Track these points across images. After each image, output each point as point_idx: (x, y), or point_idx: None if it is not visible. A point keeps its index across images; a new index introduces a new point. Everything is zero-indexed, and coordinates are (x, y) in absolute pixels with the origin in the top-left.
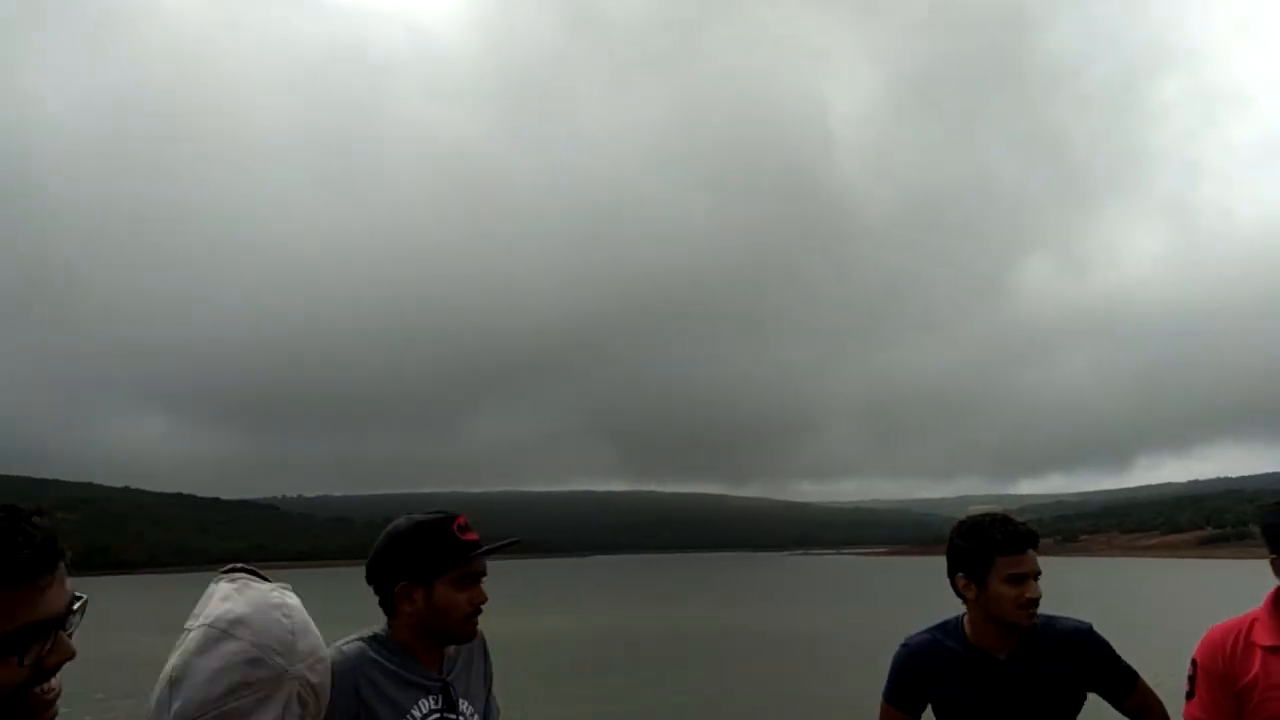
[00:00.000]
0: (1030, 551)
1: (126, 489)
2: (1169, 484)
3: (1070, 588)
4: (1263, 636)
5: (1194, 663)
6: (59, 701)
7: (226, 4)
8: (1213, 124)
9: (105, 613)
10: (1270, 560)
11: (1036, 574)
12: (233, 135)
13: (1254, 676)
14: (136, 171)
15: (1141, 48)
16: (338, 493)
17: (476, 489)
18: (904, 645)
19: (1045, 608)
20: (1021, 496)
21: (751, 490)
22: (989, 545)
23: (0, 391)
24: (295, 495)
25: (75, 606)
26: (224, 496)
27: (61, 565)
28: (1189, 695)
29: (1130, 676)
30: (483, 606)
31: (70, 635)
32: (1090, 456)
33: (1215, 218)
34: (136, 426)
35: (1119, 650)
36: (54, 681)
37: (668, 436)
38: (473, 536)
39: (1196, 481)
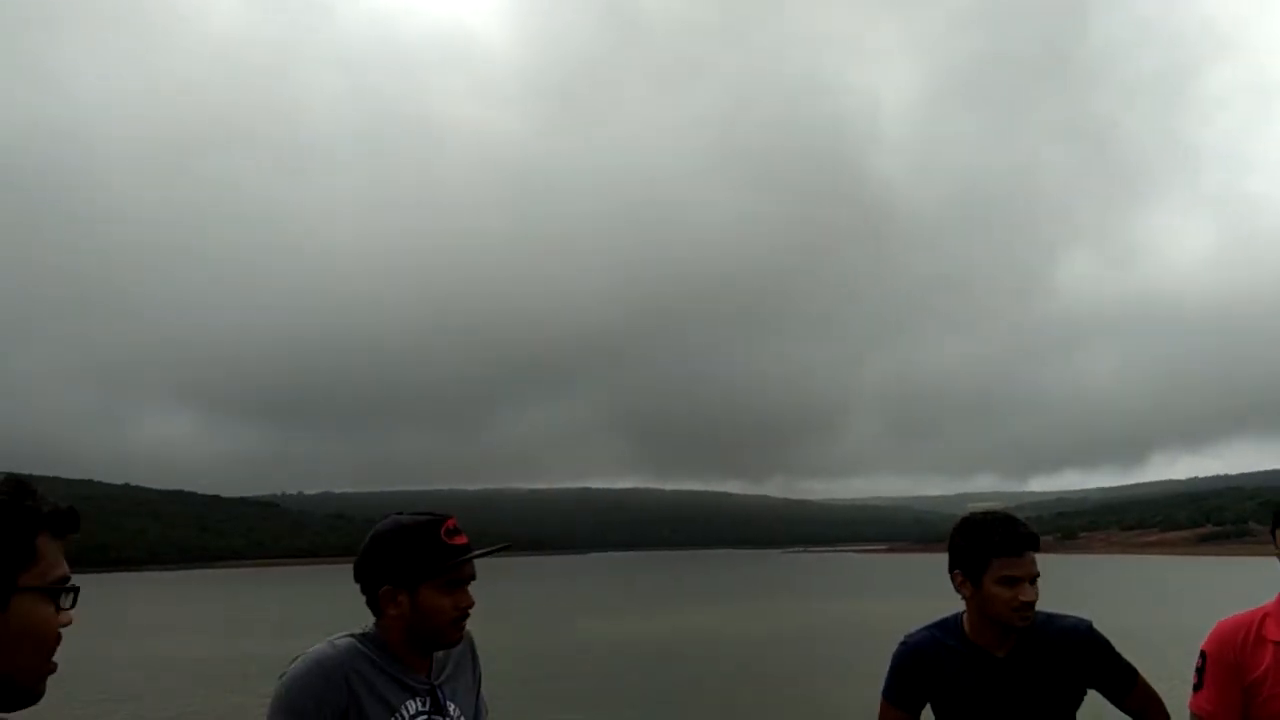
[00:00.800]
0: (1029, 554)
1: (126, 486)
2: (1169, 481)
3: (1069, 585)
4: (1274, 631)
5: (1203, 654)
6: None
7: (274, 5)
8: (1265, 117)
9: (105, 613)
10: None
11: (1033, 577)
12: (279, 136)
13: (1264, 671)
14: (185, 172)
15: (1193, 37)
16: (337, 490)
17: (492, 486)
18: (903, 643)
19: (1045, 605)
20: (1020, 494)
21: (768, 488)
22: (986, 546)
23: (9, 389)
24: (295, 493)
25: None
26: (224, 494)
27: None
28: (1196, 687)
29: (1130, 674)
30: (469, 610)
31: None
32: (1110, 453)
33: (1264, 213)
34: (165, 425)
35: (1118, 647)
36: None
37: (686, 434)
38: (461, 540)
39: (1196, 479)
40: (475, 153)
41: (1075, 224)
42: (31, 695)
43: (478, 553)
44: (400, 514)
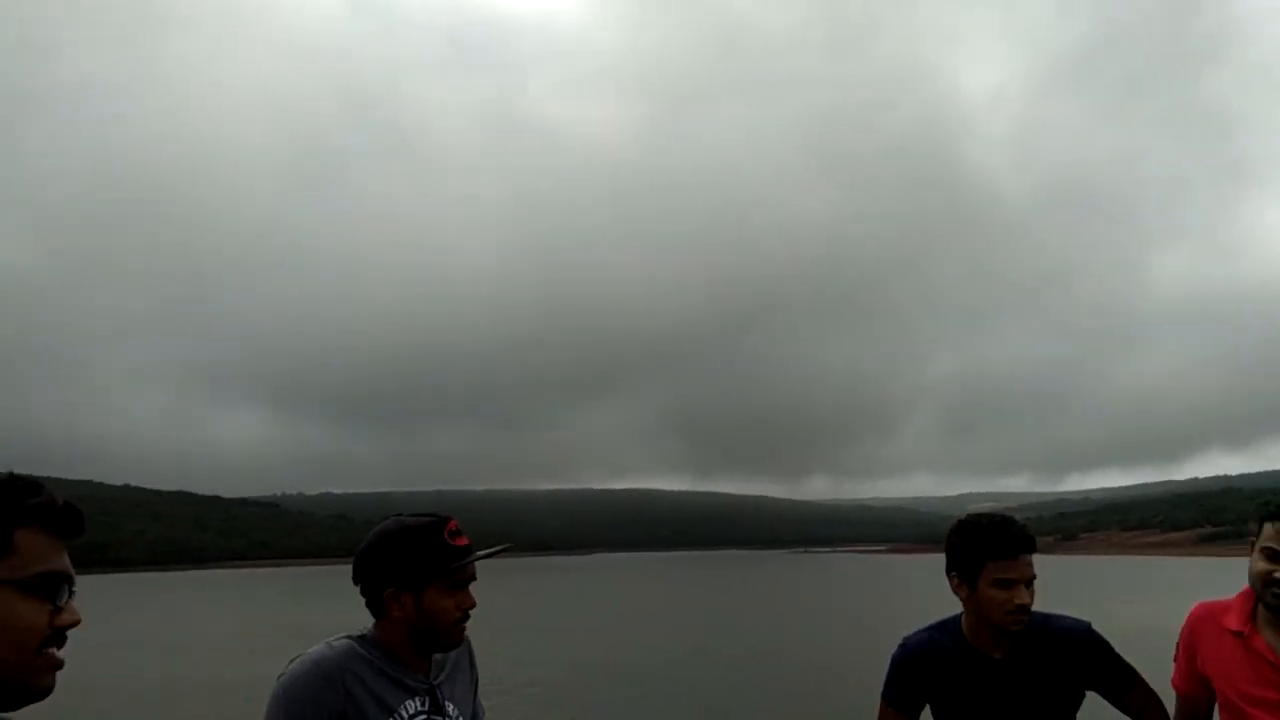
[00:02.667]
0: (1024, 557)
1: (126, 486)
2: (1170, 481)
3: (1069, 585)
4: (1233, 622)
5: (1181, 631)
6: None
7: (366, 6)
8: None
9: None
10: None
11: (1029, 580)
12: (368, 136)
13: (1224, 660)
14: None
15: None
16: (338, 490)
17: (526, 486)
18: (901, 645)
19: (1044, 606)
20: (1019, 494)
21: (811, 489)
22: (980, 548)
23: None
24: (296, 493)
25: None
26: (224, 494)
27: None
28: (1174, 659)
29: (1130, 674)
30: (471, 612)
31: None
32: (1149, 452)
33: None
34: (234, 428)
35: (1117, 648)
36: (59, 651)
37: (740, 434)
38: (464, 541)
39: (1196, 480)
40: (556, 149)
41: (1177, 216)
42: (26, 691)
43: (481, 554)
44: (402, 515)
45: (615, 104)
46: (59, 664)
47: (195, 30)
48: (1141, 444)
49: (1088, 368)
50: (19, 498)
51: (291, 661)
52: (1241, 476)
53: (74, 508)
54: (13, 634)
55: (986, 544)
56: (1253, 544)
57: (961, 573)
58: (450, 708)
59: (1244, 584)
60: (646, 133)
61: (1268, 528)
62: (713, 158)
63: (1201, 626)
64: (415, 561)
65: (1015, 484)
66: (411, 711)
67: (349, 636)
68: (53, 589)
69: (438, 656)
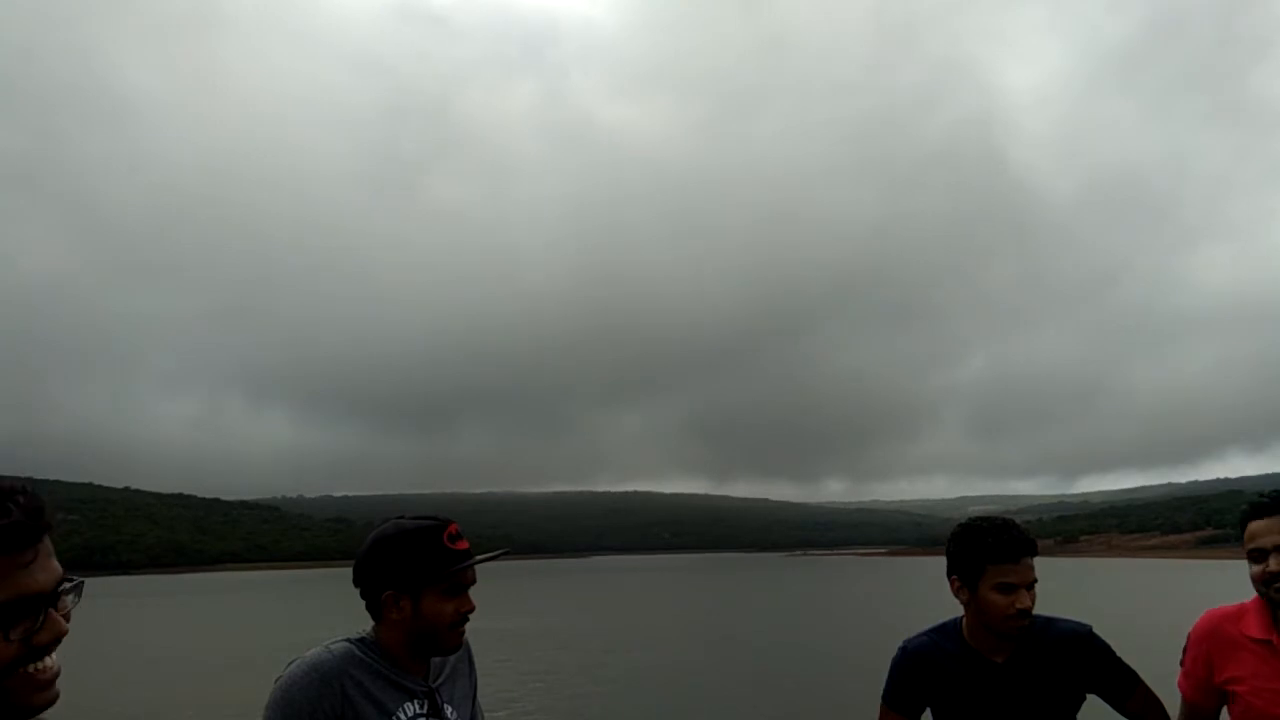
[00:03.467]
0: (1025, 560)
1: (126, 489)
2: (1170, 484)
3: (1069, 588)
4: (1250, 628)
5: (1188, 638)
6: (57, 682)
7: (415, 14)
8: None
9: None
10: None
11: (1030, 583)
12: (421, 141)
13: (1242, 668)
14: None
15: None
16: (338, 493)
17: (527, 489)
18: (902, 648)
19: (1045, 609)
20: (1019, 497)
21: (823, 493)
22: (981, 552)
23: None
24: (295, 496)
25: (67, 586)
26: (224, 497)
27: (47, 540)
28: (1181, 664)
29: (1131, 678)
30: (470, 616)
31: (66, 616)
32: (1175, 453)
33: None
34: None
35: (1118, 650)
36: (50, 661)
37: (754, 438)
38: (463, 545)
39: (1196, 482)
40: (622, 156)
41: (1222, 215)
42: (20, 710)
43: (480, 558)
44: (402, 518)
45: (663, 107)
46: (48, 679)
47: (245, 37)
48: (1161, 447)
49: (1118, 370)
50: None
51: (289, 664)
52: (1242, 479)
53: (22, 522)
54: None
55: (987, 548)
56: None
57: (962, 576)
58: (449, 710)
59: (1243, 587)
60: (694, 136)
61: (1249, 528)
62: (759, 161)
63: (1217, 636)
64: (413, 565)
65: (1025, 487)
66: (410, 714)
67: (347, 639)
68: (13, 617)
69: (436, 659)
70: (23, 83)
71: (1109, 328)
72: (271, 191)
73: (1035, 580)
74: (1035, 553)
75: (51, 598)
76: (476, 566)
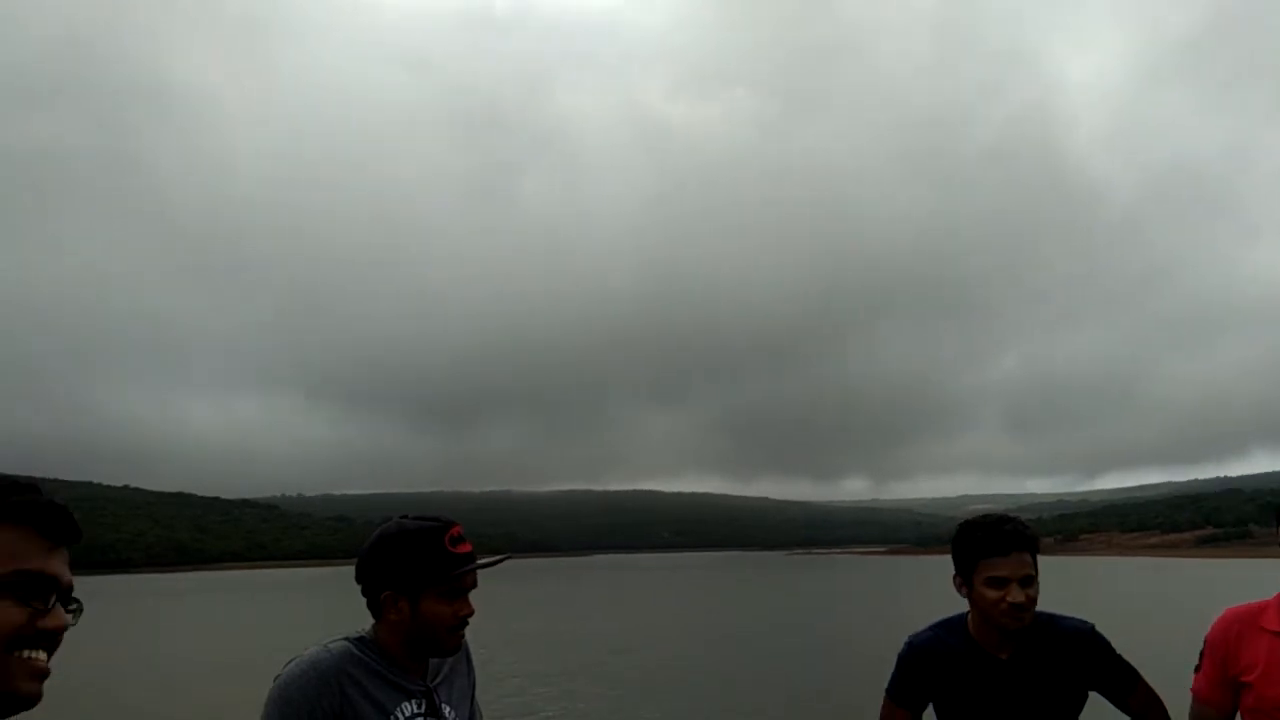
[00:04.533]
0: (1016, 555)
1: (126, 488)
2: (1170, 483)
3: (1069, 586)
4: (1272, 622)
5: (1205, 639)
6: (44, 685)
7: (479, 11)
8: None
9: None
10: None
11: (1022, 577)
12: (491, 143)
13: (1257, 660)
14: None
15: None
16: (338, 492)
17: (528, 488)
18: (908, 643)
19: (1046, 606)
20: (1019, 496)
21: (838, 491)
22: (973, 547)
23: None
24: (296, 494)
25: (75, 605)
26: (224, 496)
27: (66, 545)
28: (1197, 668)
29: (1132, 676)
30: (469, 619)
31: (72, 623)
32: (1198, 449)
33: None
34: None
35: (1118, 647)
36: (42, 656)
37: (781, 436)
38: (465, 548)
39: (1196, 481)
40: (685, 155)
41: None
42: (6, 696)
43: (481, 563)
44: (405, 518)
45: (721, 106)
46: (42, 670)
47: (309, 39)
48: (1187, 444)
49: (1156, 368)
50: (2, 496)
51: (288, 663)
52: (1242, 478)
53: (61, 509)
54: None
55: (977, 543)
56: None
57: (961, 572)
58: (447, 710)
59: (1243, 586)
60: (752, 135)
61: None
62: (816, 159)
63: (1237, 632)
64: (413, 566)
65: (1038, 485)
66: (408, 714)
67: (346, 638)
68: (29, 589)
69: (435, 659)
70: (88, 80)
71: (1157, 325)
72: (332, 193)
73: (1031, 575)
74: (1030, 547)
75: (64, 594)
76: (481, 570)
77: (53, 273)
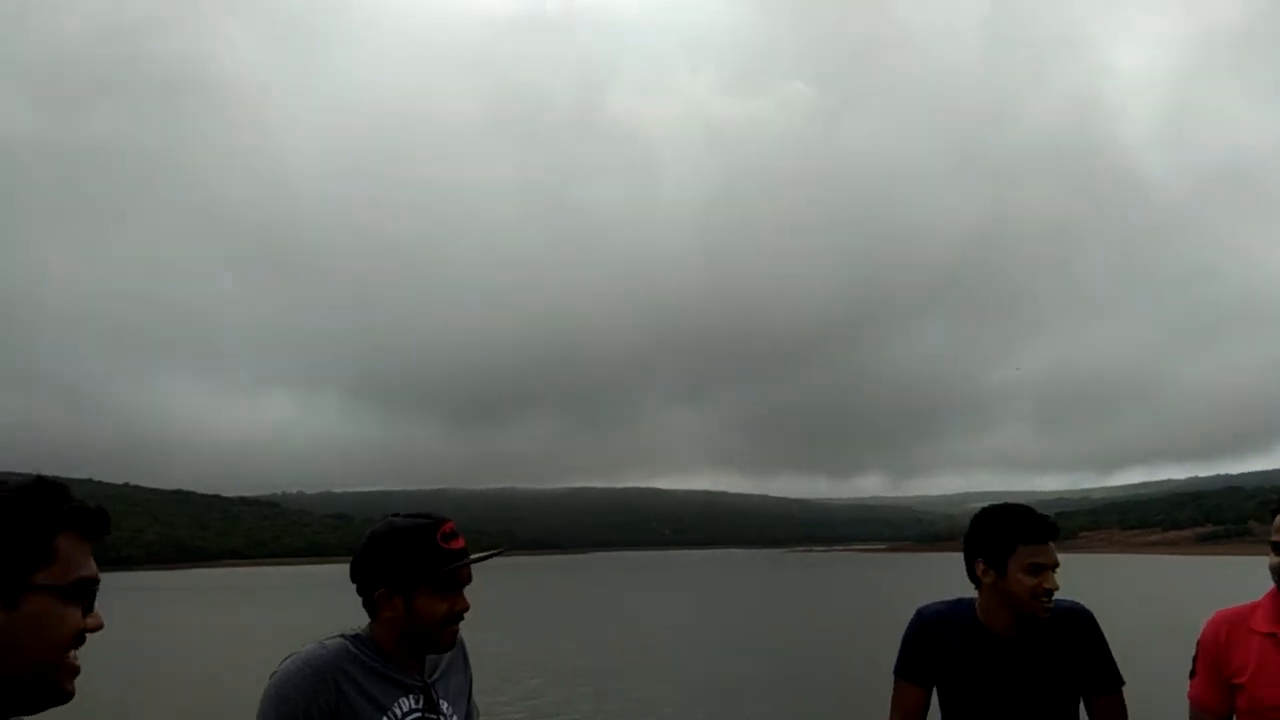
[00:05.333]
0: (1051, 544)
1: (126, 485)
2: (1170, 480)
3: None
4: (1261, 623)
5: (1198, 644)
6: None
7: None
8: None
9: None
10: (1272, 564)
11: (1055, 565)
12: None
13: (1249, 662)
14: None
15: None
16: (338, 489)
17: (531, 485)
18: (917, 613)
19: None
20: (1020, 493)
21: (852, 489)
22: (1013, 533)
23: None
24: (295, 492)
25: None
26: (224, 493)
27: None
28: (1191, 674)
29: (1116, 677)
30: (464, 615)
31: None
32: (1215, 445)
33: None
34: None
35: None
36: (77, 654)
37: (800, 434)
38: (458, 544)
39: (1196, 478)
40: (731, 148)
41: None
42: (53, 694)
43: (474, 558)
44: (397, 516)
45: (769, 102)
46: (79, 669)
47: (366, 38)
48: (1208, 439)
49: (1189, 362)
50: (56, 502)
51: (284, 660)
52: (1242, 475)
53: (104, 511)
54: (53, 639)
55: (1019, 529)
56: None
57: (989, 557)
58: (445, 706)
59: (1243, 584)
60: (801, 131)
61: (1276, 520)
62: (863, 155)
63: (1227, 633)
64: (405, 564)
65: (1047, 483)
66: (405, 710)
67: (342, 635)
68: (88, 594)
69: (432, 655)
70: (134, 74)
71: (1196, 320)
72: (381, 191)
73: (1058, 564)
74: (1058, 537)
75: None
76: (474, 565)
77: (84, 269)
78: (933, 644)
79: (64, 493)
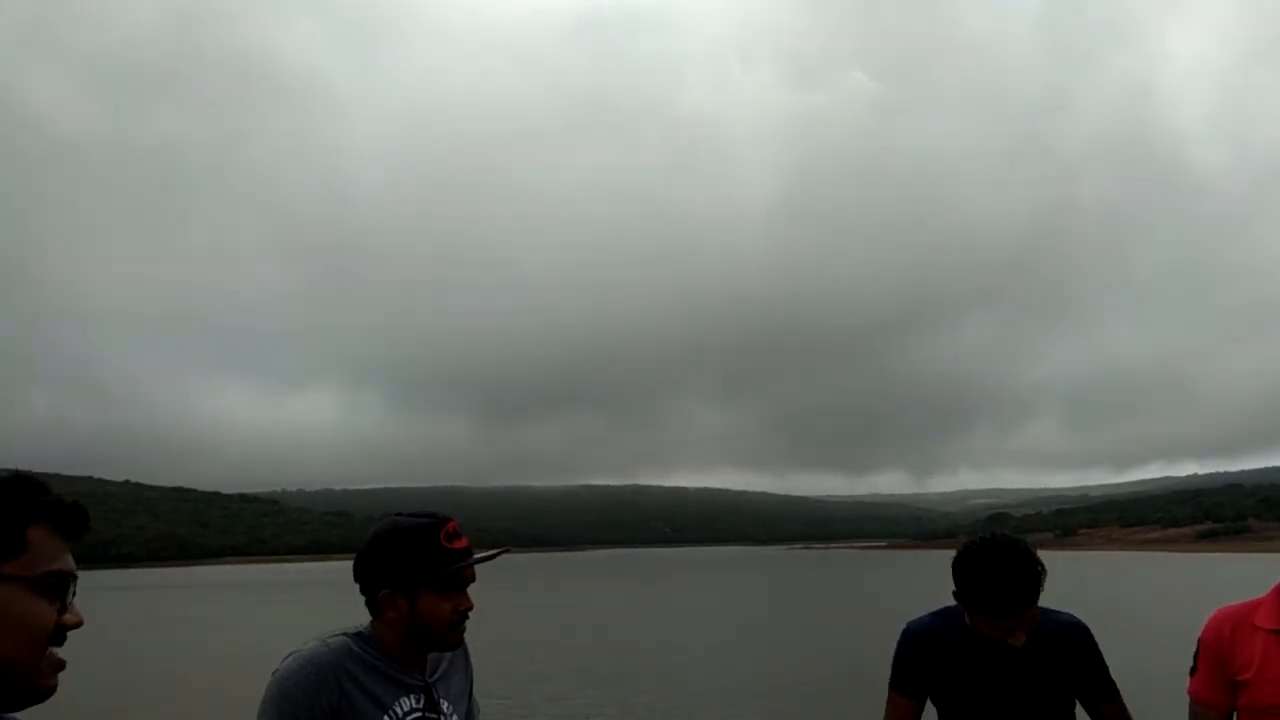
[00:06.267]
0: (1021, 614)
1: (127, 483)
2: (1170, 478)
3: (1069, 581)
4: (1265, 620)
5: (1199, 641)
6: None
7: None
8: None
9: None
10: None
11: (1022, 625)
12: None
13: (1253, 659)
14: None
15: None
16: (338, 487)
17: (530, 483)
18: (905, 629)
19: (1046, 603)
20: (1020, 491)
21: (867, 486)
22: (978, 601)
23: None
24: (295, 489)
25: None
26: (224, 490)
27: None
28: (1192, 671)
29: (1111, 688)
30: (469, 614)
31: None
32: (1237, 441)
33: None
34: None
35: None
36: (58, 650)
37: (825, 431)
38: (461, 543)
39: (1195, 476)
40: (790, 143)
41: None
42: (31, 691)
43: (478, 557)
44: (400, 515)
45: (829, 95)
46: (61, 664)
47: (429, 35)
48: (1229, 435)
49: (1220, 360)
50: (30, 495)
51: (286, 658)
52: (1241, 473)
53: (81, 507)
54: (23, 632)
55: (983, 600)
56: None
57: (963, 604)
58: (445, 705)
59: (1242, 581)
60: (859, 126)
61: None
62: (924, 150)
63: (1230, 631)
64: (408, 564)
65: (1059, 480)
66: (406, 709)
67: (344, 633)
68: (61, 588)
69: (433, 654)
70: (200, 69)
71: (1242, 318)
72: (446, 191)
73: (1034, 620)
74: (1036, 599)
75: (74, 583)
76: (478, 564)
77: (142, 268)
78: (923, 658)
79: (40, 487)
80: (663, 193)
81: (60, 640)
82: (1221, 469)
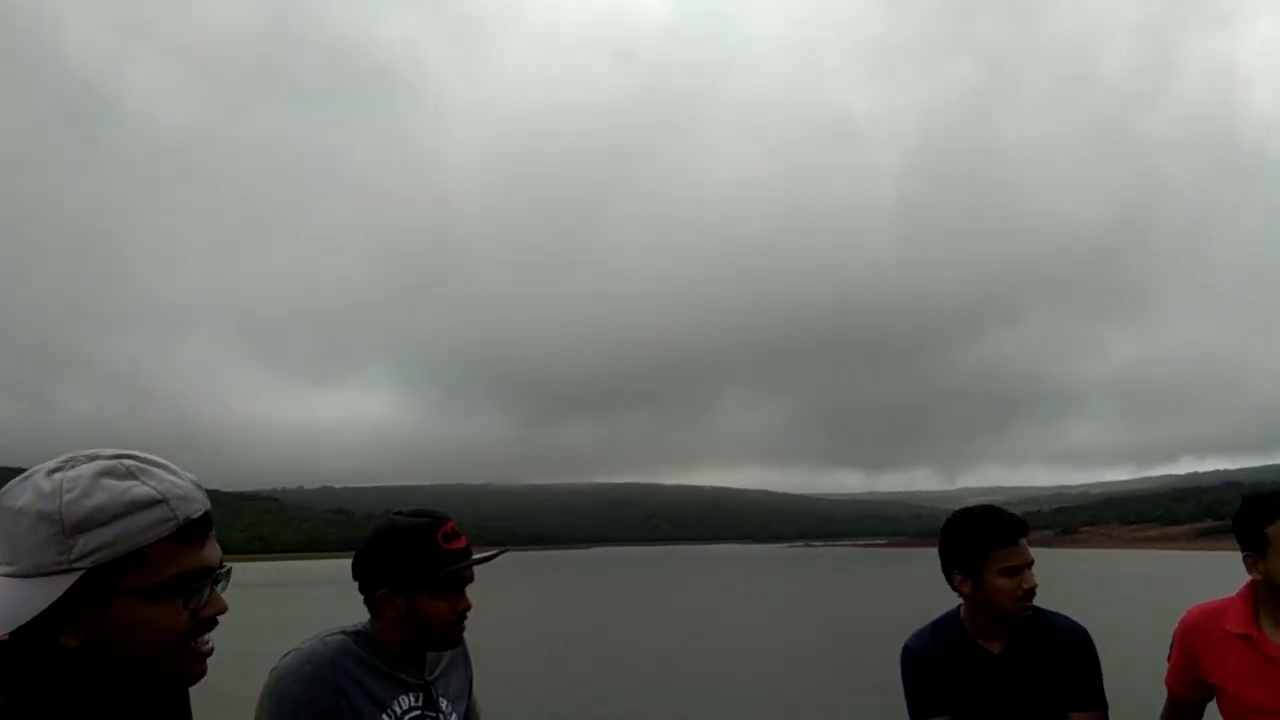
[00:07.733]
0: (1022, 542)
1: None
2: (1170, 476)
3: (1069, 580)
4: (1234, 624)
5: (1173, 635)
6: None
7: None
8: None
9: None
10: (1243, 557)
11: (1030, 563)
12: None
13: (1220, 663)
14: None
15: None
16: (338, 485)
17: (528, 481)
18: (906, 649)
19: (1043, 601)
20: (1021, 489)
21: (895, 483)
22: (981, 539)
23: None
24: (295, 487)
25: (223, 569)
26: (224, 489)
27: (212, 530)
28: (1169, 659)
29: (1100, 699)
30: (467, 614)
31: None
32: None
33: None
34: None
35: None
36: (207, 639)
37: (863, 428)
38: (458, 544)
39: (1195, 474)
40: (864, 139)
41: None
42: (180, 679)
43: (476, 558)
44: (398, 515)
45: (901, 91)
46: (207, 652)
47: (525, 38)
48: (1244, 434)
49: (1266, 358)
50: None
51: (284, 656)
52: (1241, 470)
53: (209, 512)
54: (152, 638)
55: (986, 534)
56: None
57: (965, 567)
58: (444, 704)
59: (1241, 578)
60: (938, 121)
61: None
62: (1001, 146)
63: (1200, 632)
64: (406, 564)
65: (1078, 477)
66: (405, 707)
67: (343, 632)
68: (186, 588)
69: (433, 653)
70: (297, 67)
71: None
72: (536, 192)
73: (1032, 561)
74: (1027, 533)
75: (215, 575)
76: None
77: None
78: (933, 676)
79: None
80: (749, 194)
81: (205, 629)
82: (1259, 463)
